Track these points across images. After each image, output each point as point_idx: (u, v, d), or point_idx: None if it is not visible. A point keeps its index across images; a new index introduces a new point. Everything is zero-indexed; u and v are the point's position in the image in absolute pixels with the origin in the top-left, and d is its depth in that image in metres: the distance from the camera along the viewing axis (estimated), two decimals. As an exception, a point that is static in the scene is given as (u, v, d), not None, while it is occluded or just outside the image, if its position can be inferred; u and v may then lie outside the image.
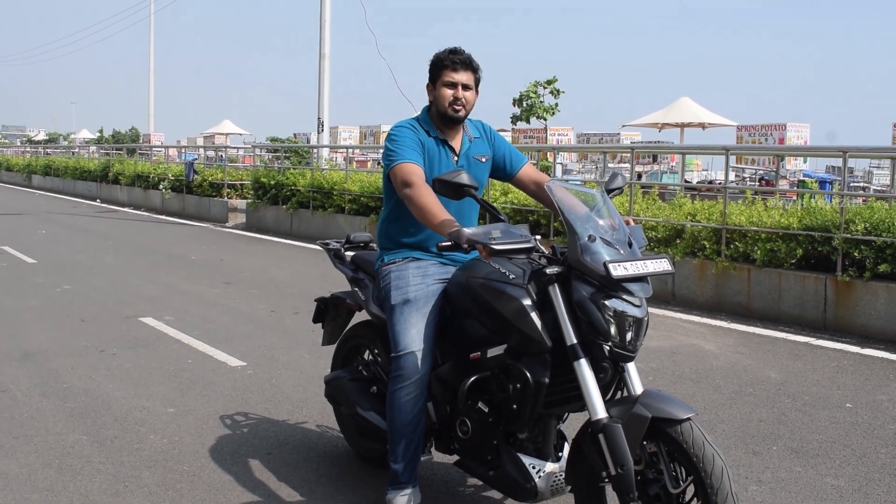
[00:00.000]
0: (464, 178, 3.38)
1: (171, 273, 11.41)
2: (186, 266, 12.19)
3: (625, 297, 3.07)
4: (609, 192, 3.47)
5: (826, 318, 8.19)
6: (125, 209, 23.60)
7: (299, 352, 6.91)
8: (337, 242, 4.51)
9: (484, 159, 3.94)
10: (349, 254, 4.39)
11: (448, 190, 3.41)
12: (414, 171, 3.65)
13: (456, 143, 3.90)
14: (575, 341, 3.13)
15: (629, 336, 3.08)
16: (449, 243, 3.28)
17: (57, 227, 17.82)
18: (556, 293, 3.19)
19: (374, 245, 4.31)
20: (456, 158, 3.86)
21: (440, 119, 3.85)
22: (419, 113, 3.97)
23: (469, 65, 3.81)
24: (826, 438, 5.01)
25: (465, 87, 3.80)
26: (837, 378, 6.39)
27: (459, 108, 3.79)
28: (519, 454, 3.41)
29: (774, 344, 7.55)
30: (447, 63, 3.79)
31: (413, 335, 3.61)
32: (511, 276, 3.35)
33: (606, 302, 3.06)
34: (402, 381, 3.59)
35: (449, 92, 3.78)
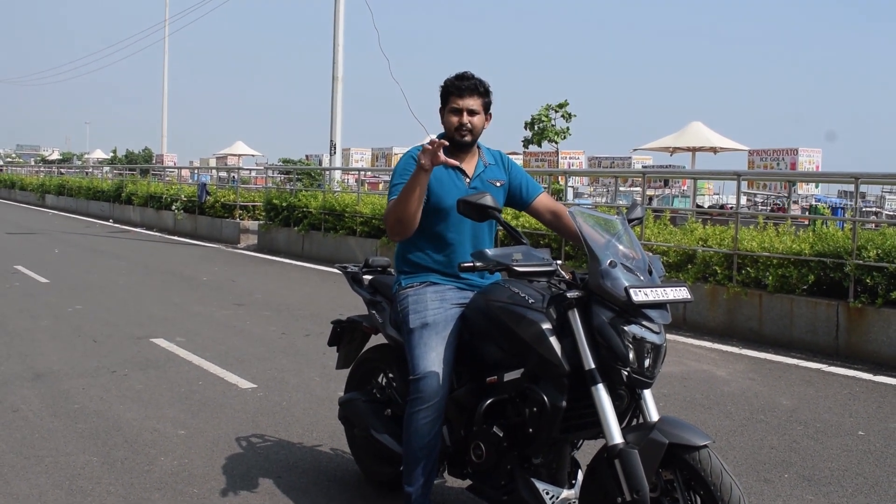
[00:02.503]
0: (487, 199, 3.43)
1: (182, 294, 11.45)
2: (198, 287, 12.22)
3: (644, 323, 3.09)
4: (629, 221, 3.49)
5: (838, 344, 8.16)
6: (137, 229, 23.69)
7: (310, 374, 6.91)
8: (355, 266, 4.54)
9: (499, 184, 3.95)
10: (367, 277, 4.42)
11: (472, 211, 3.45)
12: None
13: (469, 167, 3.92)
14: (593, 366, 3.15)
15: (647, 362, 3.09)
16: (470, 264, 3.32)
17: (70, 247, 17.90)
18: (575, 318, 3.21)
19: (392, 270, 4.33)
20: (468, 180, 3.89)
21: (452, 145, 3.88)
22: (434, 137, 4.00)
23: (476, 90, 3.82)
24: (838, 466, 4.98)
25: (472, 113, 3.81)
26: (849, 405, 6.36)
27: (465, 133, 3.82)
28: (533, 479, 3.40)
29: (786, 370, 7.52)
30: (453, 89, 3.81)
31: (432, 358, 3.63)
32: (530, 301, 3.37)
33: (626, 327, 3.07)
34: (420, 404, 3.61)
35: (454, 118, 3.81)
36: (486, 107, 3.88)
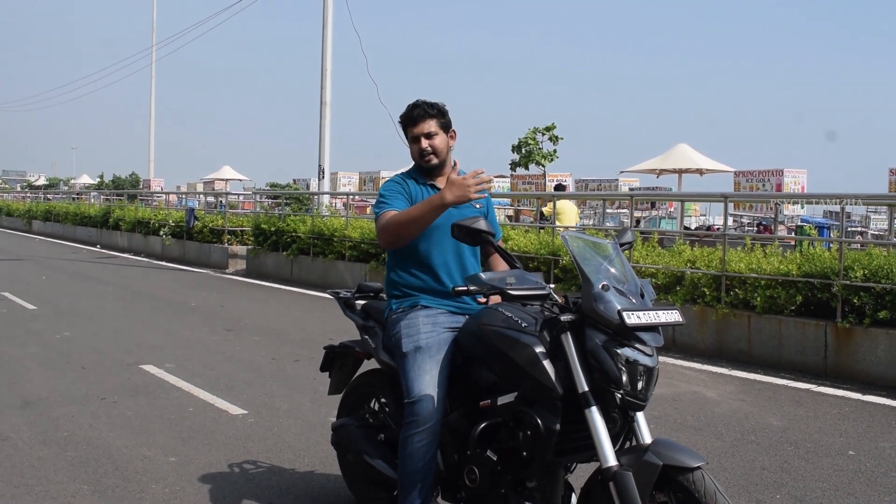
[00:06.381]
0: (481, 224, 3.47)
1: (171, 320, 11.41)
2: (187, 313, 12.19)
3: (637, 345, 3.11)
4: (620, 245, 3.52)
5: (827, 364, 8.20)
6: (125, 255, 23.63)
7: (301, 400, 6.90)
8: (347, 291, 4.55)
9: (478, 206, 4.03)
10: (359, 302, 4.44)
11: (466, 236, 3.48)
12: (388, 215, 3.84)
13: None
14: (587, 389, 3.16)
15: (640, 385, 3.11)
16: (464, 287, 3.35)
17: (57, 273, 17.83)
18: (568, 341, 3.23)
19: (384, 295, 4.35)
20: None
21: (422, 170, 4.02)
22: (412, 167, 4.12)
23: (427, 114, 3.94)
24: (829, 486, 5.00)
25: (430, 136, 3.93)
26: (839, 425, 6.38)
27: (429, 157, 3.95)
28: (527, 503, 3.41)
29: (776, 391, 7.55)
30: (407, 121, 3.97)
31: (426, 381, 3.65)
32: (524, 325, 3.39)
33: (619, 350, 3.09)
34: (415, 427, 3.62)
35: (415, 146, 3.96)
36: (445, 127, 3.99)
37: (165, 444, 5.67)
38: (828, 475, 5.20)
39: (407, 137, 4.01)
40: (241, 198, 28.96)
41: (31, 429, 5.99)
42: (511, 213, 25.02)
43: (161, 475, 5.07)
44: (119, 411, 6.48)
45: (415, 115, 3.94)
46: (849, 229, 21.33)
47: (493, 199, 4.24)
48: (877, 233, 23.71)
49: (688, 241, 11.57)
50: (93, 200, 34.96)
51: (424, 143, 3.93)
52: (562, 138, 25.96)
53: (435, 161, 3.95)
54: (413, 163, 4.10)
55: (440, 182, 4.00)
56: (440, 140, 3.95)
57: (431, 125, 3.94)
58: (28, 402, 6.70)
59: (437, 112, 3.96)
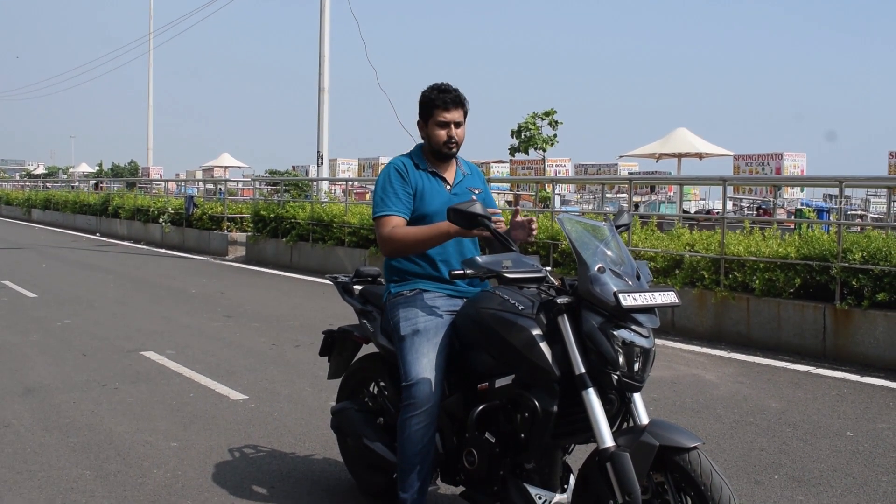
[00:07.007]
0: (477, 207, 3.47)
1: (171, 307, 11.43)
2: (187, 300, 12.21)
3: (633, 327, 3.13)
4: (617, 227, 3.54)
5: (825, 346, 8.22)
6: (125, 243, 23.64)
7: (301, 385, 6.92)
8: (345, 276, 4.56)
9: (477, 191, 4.05)
10: (357, 287, 4.45)
11: (461, 219, 3.49)
12: (391, 222, 3.83)
13: (449, 175, 4.03)
14: (583, 371, 3.18)
15: (637, 366, 3.13)
16: (461, 271, 3.36)
17: (57, 262, 17.84)
18: (565, 323, 3.25)
19: (382, 279, 4.37)
20: (449, 187, 3.96)
21: (433, 155, 3.98)
22: (413, 148, 4.08)
23: (459, 102, 3.91)
24: (827, 467, 5.03)
25: (458, 125, 3.91)
26: (838, 407, 6.41)
27: (453, 145, 3.92)
28: (525, 484, 3.43)
29: (775, 373, 7.58)
30: (438, 103, 3.88)
31: (424, 364, 3.67)
32: (520, 307, 3.41)
33: (615, 332, 3.11)
34: (414, 410, 3.64)
35: (442, 132, 3.90)
36: (465, 116, 3.97)
37: (167, 430, 5.70)
38: (826, 456, 5.23)
39: (429, 119, 3.92)
40: (241, 185, 28.97)
41: (33, 415, 6.02)
42: (510, 197, 25.03)
43: (163, 460, 5.10)
44: (120, 397, 6.51)
45: (448, 101, 3.88)
46: (848, 212, 21.33)
47: (492, 184, 4.25)
48: (877, 216, 23.68)
49: (687, 225, 11.58)
50: (114, 187, 35.01)
51: (454, 131, 3.89)
52: (561, 123, 26.02)
53: (455, 150, 3.95)
54: (414, 144, 4.09)
55: (444, 170, 3.99)
56: (462, 131, 3.95)
57: (460, 114, 3.92)
58: (30, 390, 6.72)
59: (465, 102, 3.95)
